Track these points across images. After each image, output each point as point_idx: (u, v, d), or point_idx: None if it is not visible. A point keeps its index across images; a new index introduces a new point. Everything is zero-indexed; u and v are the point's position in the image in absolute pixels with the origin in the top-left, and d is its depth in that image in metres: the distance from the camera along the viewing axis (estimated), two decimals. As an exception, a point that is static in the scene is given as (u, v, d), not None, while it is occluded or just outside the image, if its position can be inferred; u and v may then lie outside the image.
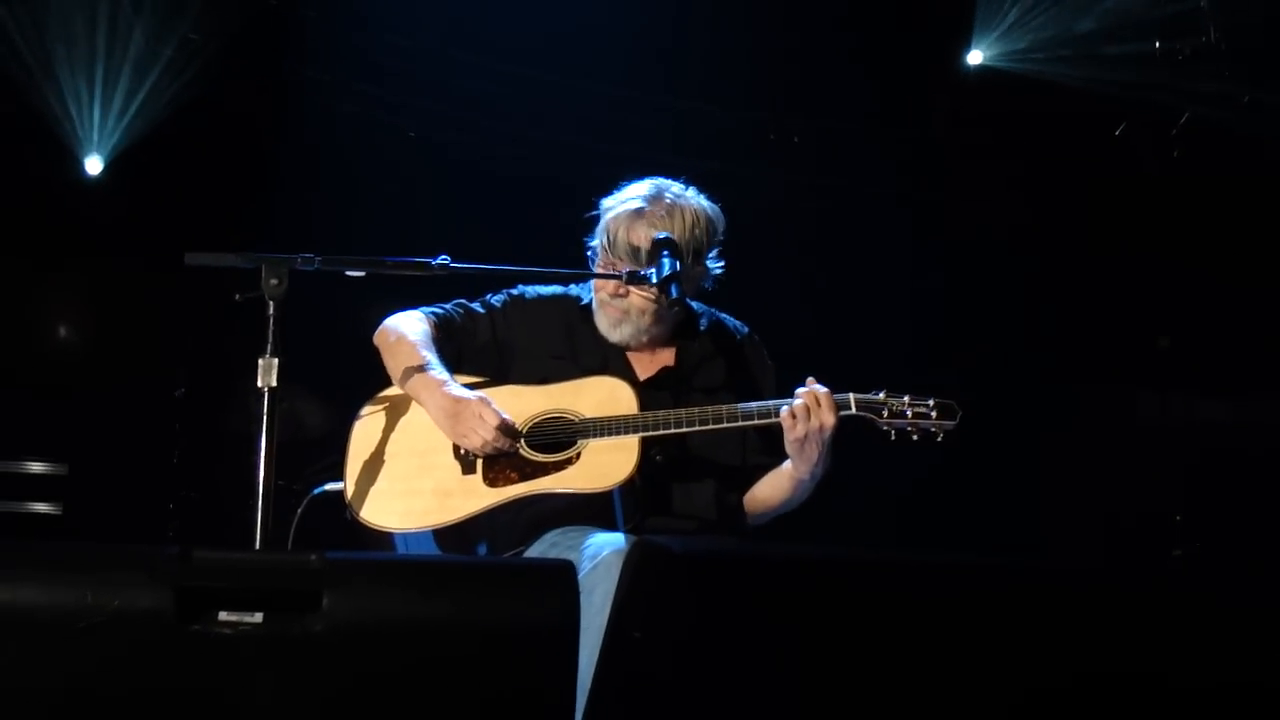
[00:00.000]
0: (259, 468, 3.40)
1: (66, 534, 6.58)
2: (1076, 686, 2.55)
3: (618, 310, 4.03)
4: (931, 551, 2.77)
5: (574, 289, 4.22)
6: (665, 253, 3.86)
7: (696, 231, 4.02)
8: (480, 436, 3.79)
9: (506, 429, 3.81)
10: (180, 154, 6.68)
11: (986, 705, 2.53)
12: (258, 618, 2.36)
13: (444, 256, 3.72)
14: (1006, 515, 6.51)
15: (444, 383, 3.89)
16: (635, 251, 3.97)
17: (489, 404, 3.81)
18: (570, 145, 6.63)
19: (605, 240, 4.03)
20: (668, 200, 4.03)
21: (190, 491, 6.43)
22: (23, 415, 6.62)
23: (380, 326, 4.09)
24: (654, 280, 3.85)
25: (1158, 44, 6.69)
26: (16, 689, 2.30)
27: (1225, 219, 6.76)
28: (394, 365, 3.99)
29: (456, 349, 4.05)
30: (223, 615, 2.35)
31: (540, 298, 4.17)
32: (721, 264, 4.13)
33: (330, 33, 6.77)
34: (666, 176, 4.15)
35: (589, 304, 4.16)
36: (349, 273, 3.70)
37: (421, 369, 3.92)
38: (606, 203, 4.09)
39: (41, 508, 6.66)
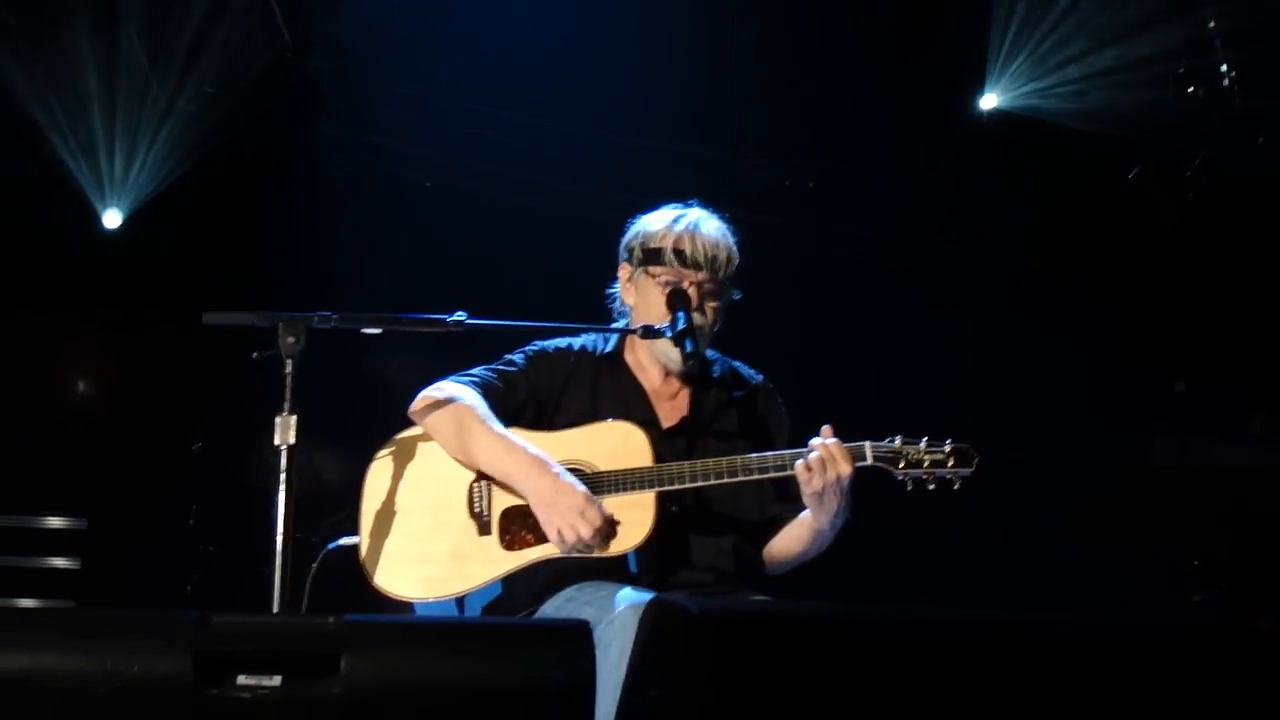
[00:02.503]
0: (277, 526, 3.41)
1: (85, 589, 6.60)
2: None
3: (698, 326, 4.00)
4: (949, 606, 2.76)
5: (587, 341, 4.20)
6: (680, 308, 3.89)
7: (733, 238, 4.09)
8: (576, 534, 3.68)
9: (606, 534, 3.72)
10: (198, 207, 6.72)
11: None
12: (276, 681, 2.37)
13: (460, 313, 3.72)
14: (1023, 562, 6.49)
15: (543, 463, 3.80)
16: (712, 260, 3.99)
17: (594, 503, 3.72)
18: (586, 195, 6.66)
19: (670, 258, 4.00)
20: (699, 211, 4.10)
21: (208, 546, 6.45)
22: (41, 470, 6.65)
23: (421, 399, 3.99)
24: (669, 334, 3.87)
25: (1172, 86, 6.69)
26: (37, 755, 2.31)
27: (1240, 261, 6.75)
28: (462, 441, 3.89)
29: (502, 413, 3.99)
30: (241, 679, 2.35)
31: (561, 352, 4.15)
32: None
33: (345, 85, 6.82)
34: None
35: (609, 353, 4.15)
36: (365, 330, 3.70)
37: (507, 450, 3.83)
38: (653, 225, 4.09)
39: (60, 563, 6.68)
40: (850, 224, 7.17)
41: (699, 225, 4.06)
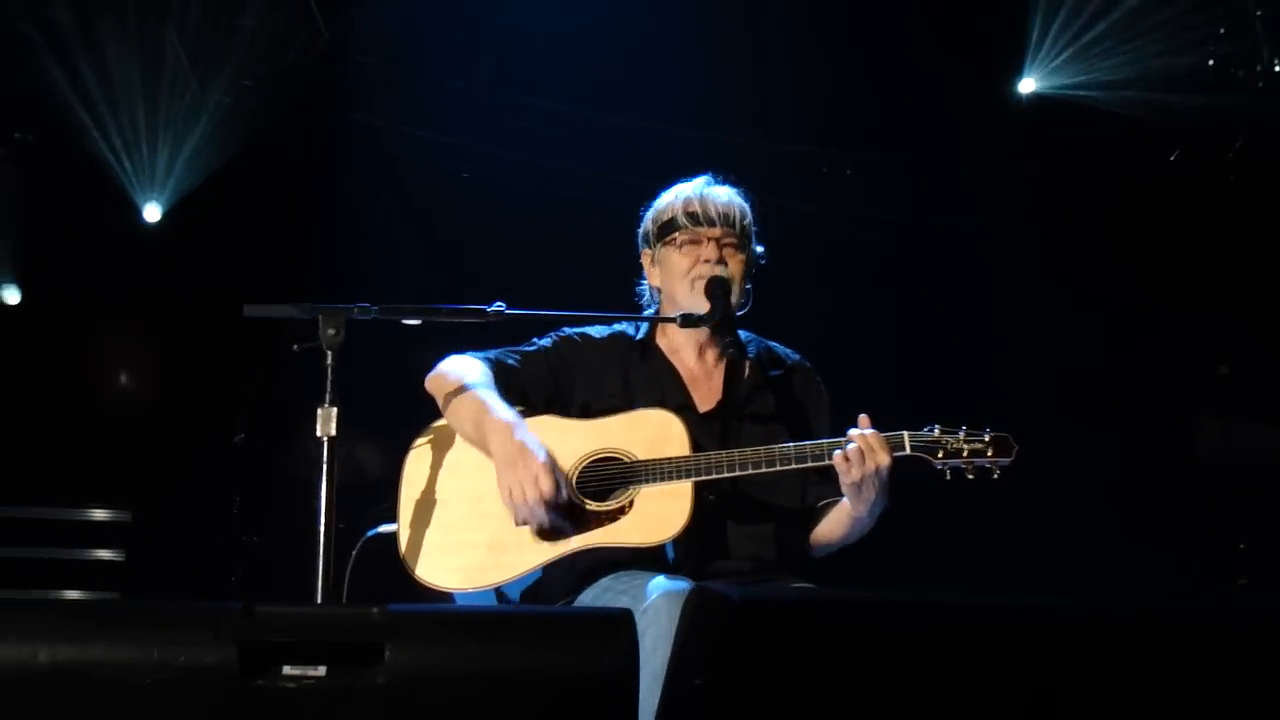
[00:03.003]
0: (319, 517, 3.41)
1: (130, 580, 6.64)
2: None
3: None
4: (995, 592, 2.75)
5: (620, 327, 4.20)
6: (718, 293, 3.89)
7: (748, 203, 4.10)
8: (523, 494, 3.69)
9: (552, 504, 3.70)
10: (237, 200, 6.76)
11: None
12: (321, 671, 2.37)
13: (499, 303, 3.72)
14: (1067, 547, 6.46)
15: (512, 426, 3.79)
16: (725, 215, 4.01)
17: (550, 472, 3.71)
18: (624, 184, 6.66)
19: (684, 221, 4.02)
20: (703, 178, 4.12)
21: (251, 536, 6.48)
22: (85, 463, 6.70)
23: (433, 372, 4.02)
24: (708, 323, 3.88)
25: (1212, 69, 6.64)
26: (85, 745, 2.33)
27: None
28: (454, 410, 3.92)
29: (515, 394, 4.01)
30: (287, 669, 2.36)
31: (590, 339, 4.14)
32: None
33: (381, 77, 6.84)
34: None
35: (641, 340, 4.15)
36: (405, 321, 3.71)
37: (486, 412, 3.83)
38: (662, 201, 4.13)
39: (105, 554, 6.73)
40: (888, 209, 7.15)
41: (706, 187, 4.09)
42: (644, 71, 6.71)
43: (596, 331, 4.17)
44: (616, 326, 4.19)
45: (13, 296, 7.10)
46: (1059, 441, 6.20)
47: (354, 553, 4.73)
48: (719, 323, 3.87)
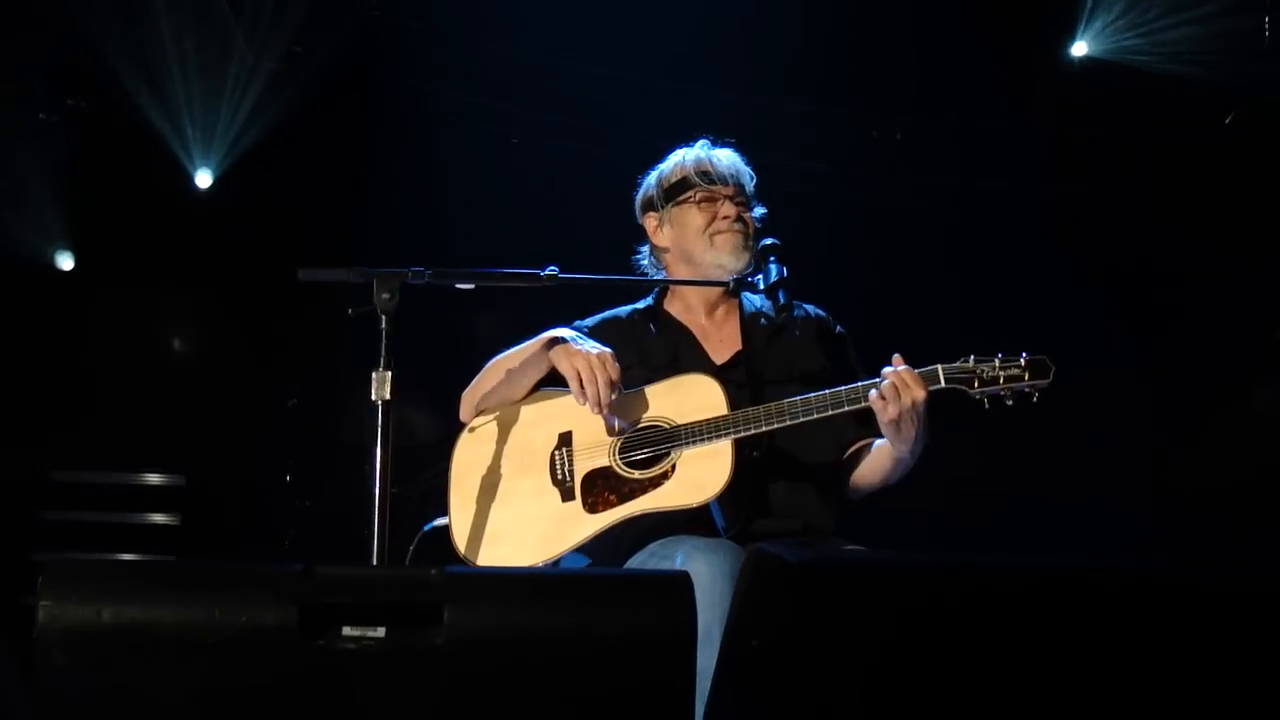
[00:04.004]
0: (374, 481, 3.42)
1: (185, 544, 6.71)
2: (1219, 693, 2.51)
3: (741, 234, 4.06)
4: (1050, 555, 2.73)
5: (615, 311, 4.23)
6: (772, 258, 3.88)
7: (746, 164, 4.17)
8: (590, 370, 3.76)
9: (608, 377, 3.77)
10: (288, 165, 6.78)
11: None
12: (380, 632, 2.39)
13: (553, 267, 3.74)
14: (1125, 511, 6.43)
15: (563, 330, 3.94)
16: (737, 174, 4.11)
17: (614, 357, 3.81)
18: (671, 147, 6.64)
19: (697, 180, 4.10)
20: (701, 141, 4.20)
21: (304, 501, 6.52)
22: (141, 428, 6.75)
23: (462, 402, 4.11)
24: (762, 285, 3.87)
25: (1268, 26, 6.56)
26: (147, 704, 2.34)
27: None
28: (496, 373, 4.01)
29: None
30: (346, 630, 2.38)
31: (592, 326, 4.17)
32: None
33: (431, 42, 6.83)
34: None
35: (647, 307, 4.18)
36: (459, 285, 3.72)
37: (528, 343, 3.96)
38: (668, 164, 4.21)
39: (160, 518, 6.80)
40: (937, 174, 7.10)
41: (711, 149, 4.18)
42: (692, 35, 6.69)
43: (590, 321, 4.19)
44: (611, 311, 4.23)
45: (66, 263, 7.16)
46: (1114, 404, 6.17)
47: (411, 548, 4.76)
48: (774, 286, 3.86)
